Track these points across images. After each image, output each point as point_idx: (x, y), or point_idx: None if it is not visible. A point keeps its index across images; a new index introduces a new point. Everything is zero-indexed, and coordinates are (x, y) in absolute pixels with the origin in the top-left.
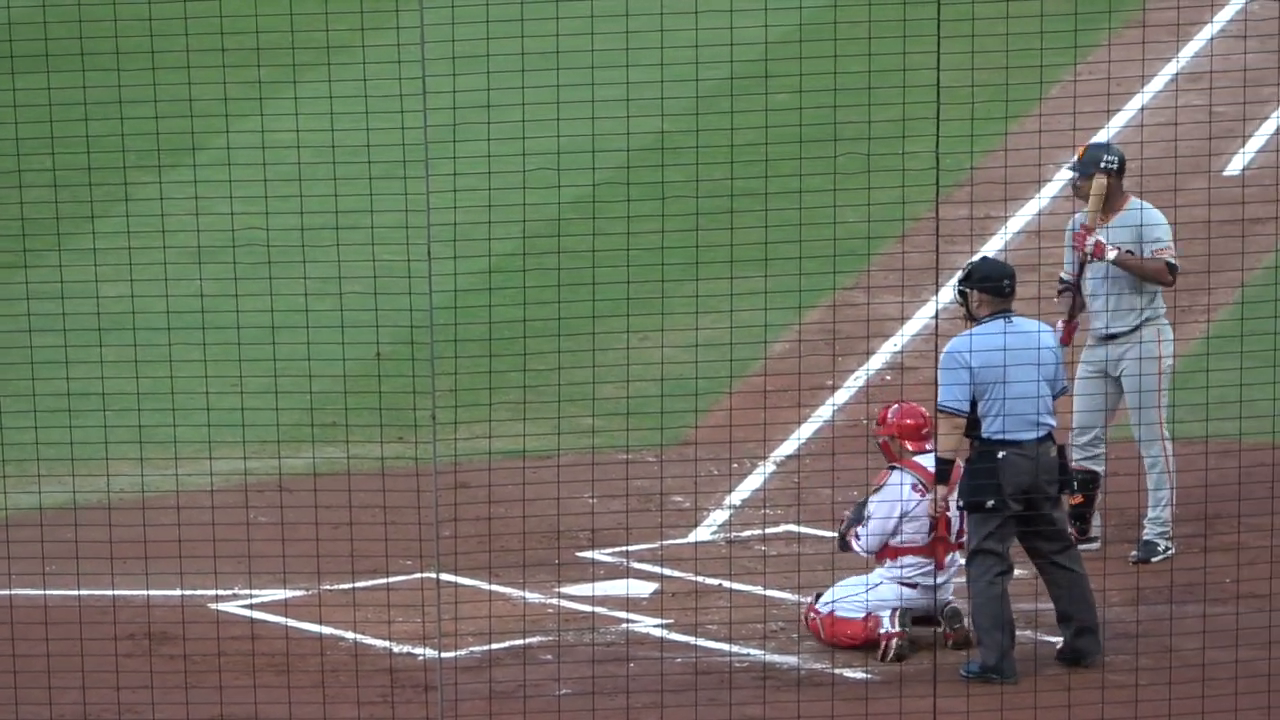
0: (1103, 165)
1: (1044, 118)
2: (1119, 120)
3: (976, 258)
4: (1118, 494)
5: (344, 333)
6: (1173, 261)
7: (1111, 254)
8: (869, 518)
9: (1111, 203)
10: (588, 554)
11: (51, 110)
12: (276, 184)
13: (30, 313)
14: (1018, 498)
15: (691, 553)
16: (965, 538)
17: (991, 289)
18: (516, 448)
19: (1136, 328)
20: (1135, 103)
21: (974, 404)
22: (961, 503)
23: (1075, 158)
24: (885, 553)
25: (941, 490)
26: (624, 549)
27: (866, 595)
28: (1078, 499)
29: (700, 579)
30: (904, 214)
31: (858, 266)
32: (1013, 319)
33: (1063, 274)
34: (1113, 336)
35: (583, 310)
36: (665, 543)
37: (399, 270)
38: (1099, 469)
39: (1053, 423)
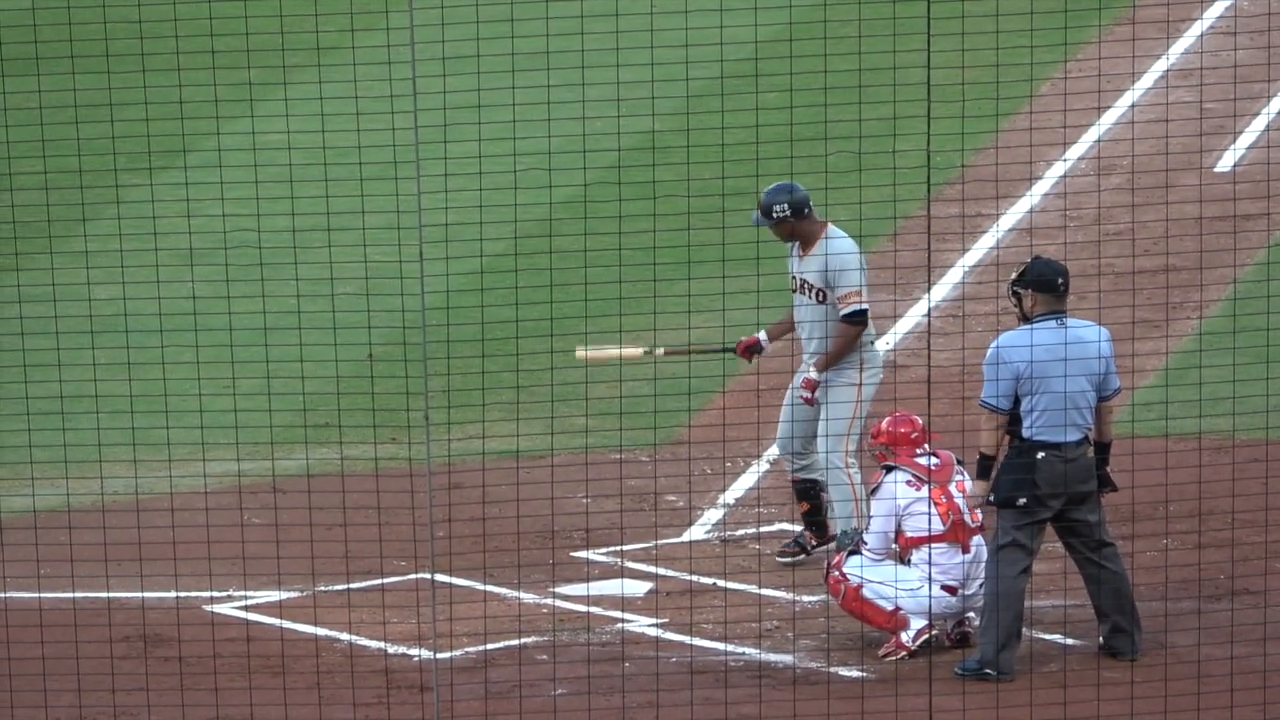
0: (775, 215)
1: (1035, 115)
2: (1109, 117)
3: (1030, 258)
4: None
5: (336, 334)
6: (857, 307)
7: (814, 374)
8: (870, 517)
9: (807, 241)
10: (582, 554)
11: (42, 113)
12: (268, 185)
13: (22, 315)
14: (1052, 498)
15: (686, 552)
16: (995, 531)
17: (1045, 287)
18: (510, 448)
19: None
20: (1126, 100)
21: (1016, 401)
22: (993, 498)
23: (756, 211)
24: (908, 544)
25: (980, 486)
26: (618, 549)
27: (908, 590)
28: (804, 506)
29: (695, 578)
30: (895, 213)
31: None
32: (1065, 320)
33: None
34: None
35: (575, 310)
36: (659, 542)
37: (391, 271)
38: (817, 478)
39: (1090, 424)
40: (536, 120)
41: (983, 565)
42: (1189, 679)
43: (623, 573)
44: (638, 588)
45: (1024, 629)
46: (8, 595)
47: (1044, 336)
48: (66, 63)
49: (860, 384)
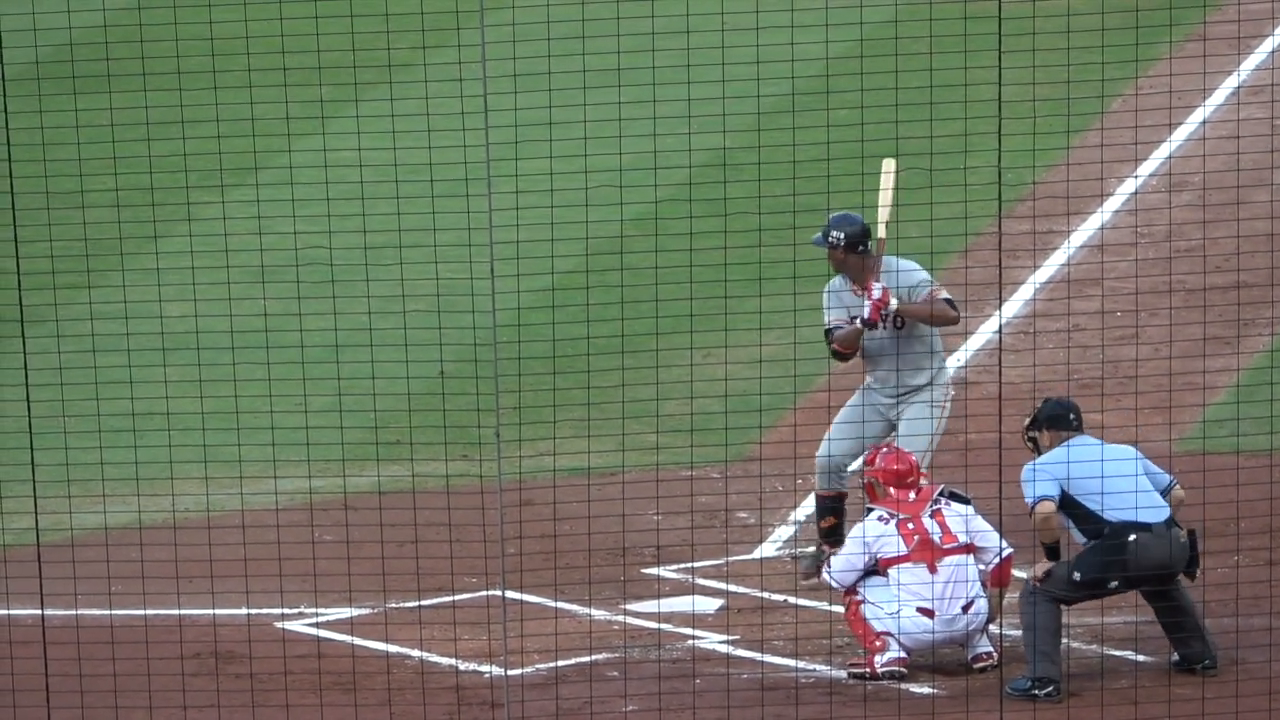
0: (830, 241)
1: (1106, 131)
2: (1180, 134)
3: (1040, 402)
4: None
5: (407, 351)
6: (949, 297)
7: (894, 303)
8: (839, 552)
9: (856, 276)
10: (653, 571)
11: (114, 130)
12: (339, 203)
13: (94, 333)
14: (1141, 577)
15: (757, 568)
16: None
17: (1058, 424)
18: (581, 465)
19: (922, 387)
20: (1197, 116)
21: (1092, 518)
22: (1080, 576)
23: (820, 232)
24: (883, 564)
25: (1043, 566)
26: (689, 565)
27: (889, 613)
28: (829, 521)
29: (766, 595)
30: (966, 229)
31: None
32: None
33: (829, 322)
34: (899, 395)
35: (646, 327)
36: (730, 559)
37: (462, 288)
38: (845, 491)
39: (1167, 506)
40: (608, 137)
41: (956, 588)
42: (1260, 695)
43: (694, 589)
44: (709, 604)
45: (1095, 645)
46: (80, 612)
47: (1074, 451)
48: (138, 80)
49: (942, 402)
